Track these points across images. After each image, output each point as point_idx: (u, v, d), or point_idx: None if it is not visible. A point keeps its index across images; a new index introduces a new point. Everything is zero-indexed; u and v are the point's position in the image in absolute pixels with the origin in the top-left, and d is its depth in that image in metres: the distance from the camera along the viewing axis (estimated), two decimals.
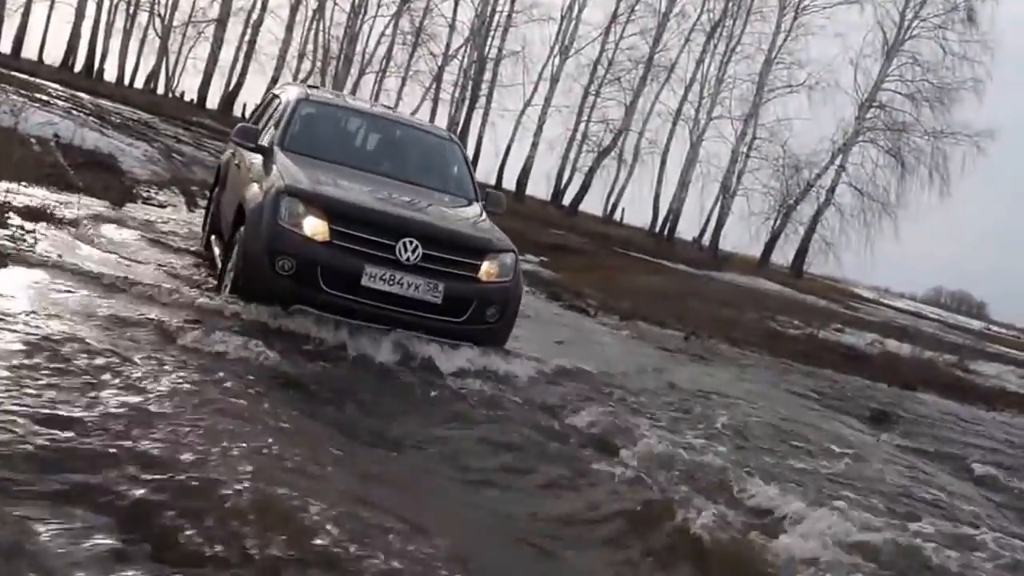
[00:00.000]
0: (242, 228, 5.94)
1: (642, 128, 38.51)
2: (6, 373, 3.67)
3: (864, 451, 6.41)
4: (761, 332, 13.23)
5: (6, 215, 6.87)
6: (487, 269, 6.01)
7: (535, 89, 37.84)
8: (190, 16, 41.96)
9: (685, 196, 37.94)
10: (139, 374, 4.08)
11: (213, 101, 38.54)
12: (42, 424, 3.23)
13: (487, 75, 38.45)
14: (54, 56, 40.45)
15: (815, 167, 36.74)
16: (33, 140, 12.27)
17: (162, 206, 11.01)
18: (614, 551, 3.57)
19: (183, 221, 10.09)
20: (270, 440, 3.63)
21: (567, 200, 37.84)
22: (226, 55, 39.15)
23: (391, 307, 5.66)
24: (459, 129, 36.39)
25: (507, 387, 5.71)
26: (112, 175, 11.90)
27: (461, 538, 3.32)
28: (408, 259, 5.66)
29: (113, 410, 3.56)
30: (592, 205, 39.36)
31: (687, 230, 39.33)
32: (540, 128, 37.53)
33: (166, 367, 4.30)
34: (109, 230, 8.04)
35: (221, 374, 4.44)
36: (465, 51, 39.23)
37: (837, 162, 36.43)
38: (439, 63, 39.49)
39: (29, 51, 39.60)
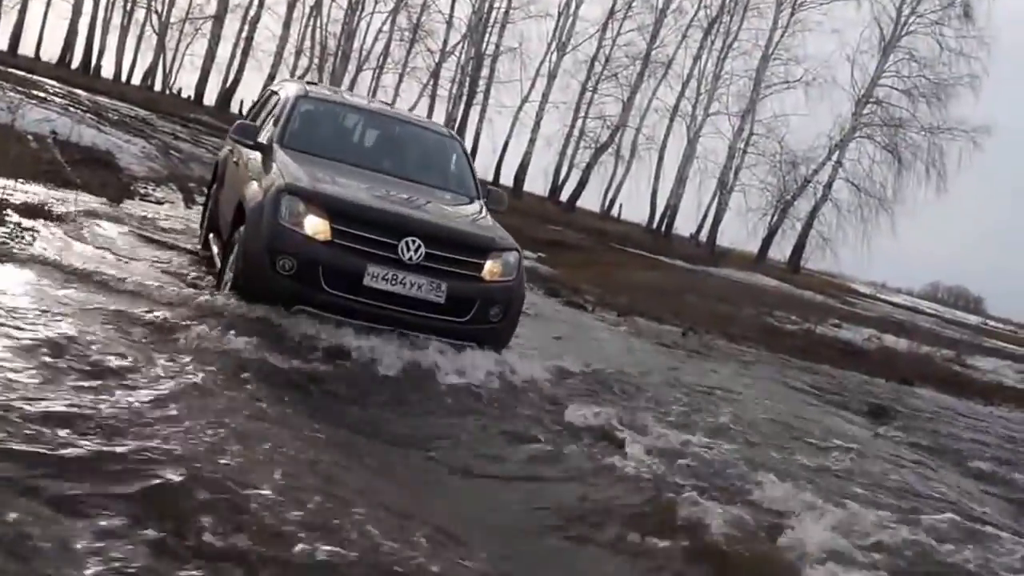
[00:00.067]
0: (242, 227, 5.88)
1: (639, 124, 38.54)
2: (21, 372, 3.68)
3: (867, 447, 6.45)
4: (758, 328, 13.25)
5: (4, 212, 6.85)
6: (490, 268, 5.95)
7: (532, 85, 37.84)
8: (187, 13, 41.98)
9: (682, 192, 37.97)
10: (141, 372, 4.08)
11: (210, 98, 38.51)
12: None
13: (484, 71, 38.41)
14: (51, 53, 40.46)
15: (812, 163, 36.81)
16: (30, 137, 12.26)
17: (159, 203, 10.99)
18: (625, 547, 3.59)
19: (181, 218, 10.08)
20: (287, 440, 3.67)
21: (565, 196, 37.83)
22: (223, 52, 39.20)
23: (393, 307, 5.59)
24: (457, 125, 36.33)
25: (510, 385, 5.71)
26: (109, 172, 11.88)
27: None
28: (411, 258, 5.60)
29: (134, 408, 3.59)
30: (590, 201, 39.41)
31: (684, 226, 39.39)
32: (538, 124, 37.53)
33: (169, 366, 4.30)
34: (107, 227, 8.01)
35: (224, 373, 4.44)
36: (462, 47, 39.22)
37: (834, 158, 36.48)
38: (436, 59, 39.47)
39: (26, 48, 39.69)
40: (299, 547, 2.82)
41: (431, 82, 39.50)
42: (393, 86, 39.94)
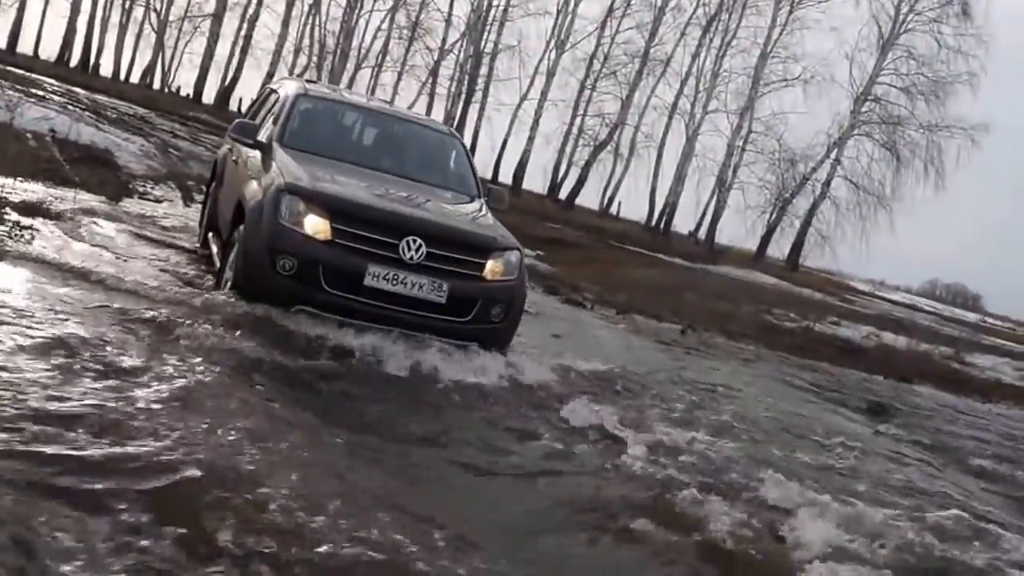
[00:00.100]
0: (241, 226, 5.84)
1: (638, 122, 38.57)
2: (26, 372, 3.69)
3: (868, 444, 6.47)
4: (757, 325, 13.27)
5: (3, 211, 6.84)
6: (492, 268, 5.91)
7: (531, 83, 37.83)
8: (186, 11, 41.94)
9: (681, 190, 37.98)
10: (150, 372, 4.09)
11: (209, 96, 38.52)
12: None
13: (483, 69, 38.37)
14: (50, 51, 40.38)
15: (811, 161, 36.83)
16: (29, 135, 12.24)
17: (158, 201, 10.98)
18: (635, 542, 3.60)
19: (179, 216, 10.07)
20: (300, 440, 3.70)
21: (563, 194, 37.83)
22: (222, 50, 39.16)
23: (394, 307, 5.56)
24: (455, 123, 36.30)
25: (516, 384, 5.71)
26: (108, 170, 11.87)
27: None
28: (412, 258, 5.56)
29: (147, 408, 3.61)
30: (588, 199, 39.42)
31: (683, 224, 39.45)
32: (536, 122, 37.52)
33: (178, 365, 4.30)
34: (105, 225, 7.99)
35: (233, 373, 4.45)
36: (461, 45, 39.16)
37: (832, 155, 36.51)
38: (435, 57, 39.45)
39: (24, 46, 39.65)
40: (324, 548, 2.85)
41: (430, 80, 39.53)
42: (392, 84, 40.02)
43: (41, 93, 18.73)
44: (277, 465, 3.36)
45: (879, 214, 36.57)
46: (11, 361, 3.77)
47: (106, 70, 40.29)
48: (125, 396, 3.69)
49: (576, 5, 37.60)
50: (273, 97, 7.65)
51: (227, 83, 38.57)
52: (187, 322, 5.07)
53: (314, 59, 39.92)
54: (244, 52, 38.54)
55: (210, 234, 7.69)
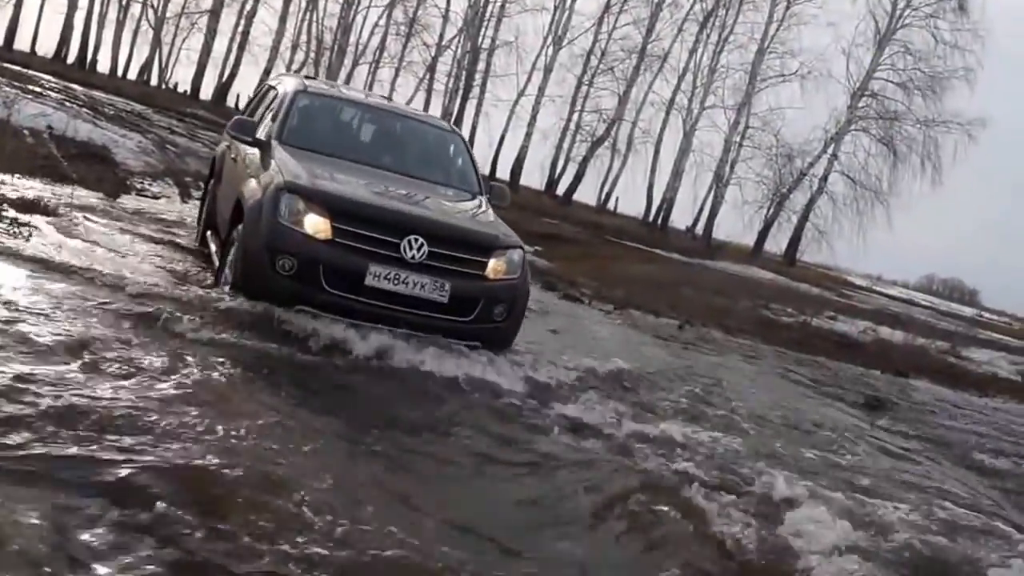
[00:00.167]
0: (240, 225, 5.78)
1: (635, 118, 38.64)
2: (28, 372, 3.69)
3: (869, 439, 6.49)
4: (755, 320, 13.29)
5: (0, 207, 6.84)
6: (494, 266, 5.84)
7: (529, 79, 37.85)
8: (183, 7, 41.75)
9: (678, 185, 38.05)
10: (154, 369, 4.11)
11: (207, 92, 38.41)
12: None
13: (481, 65, 38.35)
14: (47, 48, 40.26)
15: (808, 156, 36.94)
16: (26, 132, 12.21)
17: (156, 197, 10.96)
18: (639, 538, 3.62)
19: (177, 212, 10.06)
20: (313, 437, 3.74)
21: (561, 190, 37.86)
22: (219, 46, 39.05)
23: (396, 307, 5.49)
24: (453, 119, 36.28)
25: (520, 380, 5.70)
26: (106, 166, 11.84)
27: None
28: (413, 257, 5.50)
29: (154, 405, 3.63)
30: (586, 195, 39.50)
31: (680, 219, 39.52)
32: (534, 118, 37.56)
33: (181, 362, 4.30)
34: (103, 222, 7.97)
35: (238, 369, 4.46)
36: (459, 41, 39.17)
37: (830, 151, 36.59)
38: (433, 53, 39.46)
39: (22, 43, 39.58)
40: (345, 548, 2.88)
41: (427, 76, 39.52)
42: (389, 80, 40.03)
43: (38, 89, 18.68)
44: (290, 461, 3.38)
45: (876, 209, 36.78)
46: (11, 360, 3.77)
47: (103, 66, 40.27)
48: (124, 395, 3.69)
49: (573, 1, 37.72)
50: (271, 94, 7.58)
51: (224, 79, 38.50)
52: (188, 318, 5.06)
53: (311, 55, 39.93)
54: (241, 48, 38.51)
55: (208, 232, 7.60)
